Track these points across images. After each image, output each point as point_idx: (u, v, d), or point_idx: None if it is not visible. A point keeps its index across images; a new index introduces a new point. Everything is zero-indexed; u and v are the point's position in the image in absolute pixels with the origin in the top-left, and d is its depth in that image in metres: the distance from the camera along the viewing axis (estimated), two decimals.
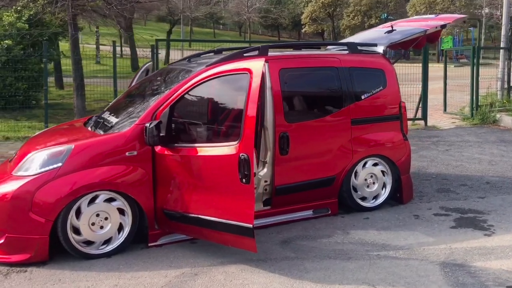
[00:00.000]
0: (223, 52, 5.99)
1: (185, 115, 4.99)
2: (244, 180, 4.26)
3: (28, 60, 12.25)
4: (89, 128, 5.44)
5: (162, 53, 18.64)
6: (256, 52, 5.45)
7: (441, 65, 14.43)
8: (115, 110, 5.71)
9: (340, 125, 5.74)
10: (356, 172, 5.89)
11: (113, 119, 5.34)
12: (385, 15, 40.22)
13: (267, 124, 5.35)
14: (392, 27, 6.71)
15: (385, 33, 6.67)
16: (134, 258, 4.71)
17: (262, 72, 4.39)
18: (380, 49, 6.21)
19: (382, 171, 6.04)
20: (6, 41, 12.04)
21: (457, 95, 13.27)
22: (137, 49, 25.02)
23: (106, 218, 4.71)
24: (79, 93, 11.75)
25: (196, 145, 4.74)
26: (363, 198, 5.98)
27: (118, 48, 18.93)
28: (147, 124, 4.71)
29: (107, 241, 4.77)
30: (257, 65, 4.45)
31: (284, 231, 5.34)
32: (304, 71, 5.67)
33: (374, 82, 5.98)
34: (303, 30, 43.93)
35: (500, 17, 45.54)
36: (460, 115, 12.63)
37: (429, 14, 39.46)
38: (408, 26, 6.68)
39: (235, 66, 4.75)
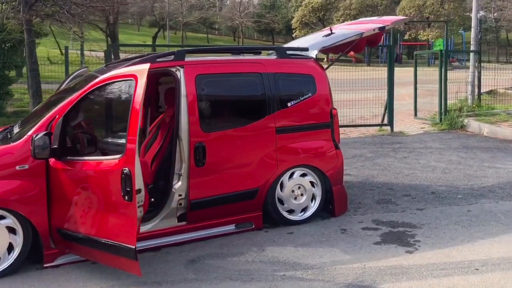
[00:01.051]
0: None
1: (77, 125, 4.67)
2: (126, 197, 3.94)
3: None
4: None
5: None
6: (172, 57, 5.14)
7: (433, 69, 14.12)
8: (26, 120, 5.40)
9: (263, 134, 5.41)
10: (282, 184, 5.56)
11: (16, 130, 5.03)
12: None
13: (181, 134, 5.03)
14: (331, 30, 6.39)
15: (323, 36, 6.36)
16: (23, 280, 4.38)
17: (147, 77, 4.07)
18: (313, 53, 5.89)
19: (311, 182, 5.70)
20: None
21: (435, 100, 12.91)
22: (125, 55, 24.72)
23: None
24: (36, 100, 11.44)
25: (86, 158, 4.42)
26: (291, 211, 5.65)
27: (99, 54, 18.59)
28: (34, 136, 4.39)
29: None
30: (142, 70, 4.13)
31: (198, 248, 5.01)
32: (223, 77, 5.34)
33: (302, 88, 5.65)
34: (293, 35, 43.67)
35: (493, 20, 45.44)
36: (430, 120, 12.29)
37: (418, 17, 39.40)
38: (348, 29, 6.37)
39: (122, 72, 4.43)
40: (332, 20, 41.47)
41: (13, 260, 4.48)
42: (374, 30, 6.09)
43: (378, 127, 11.69)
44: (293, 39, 56.74)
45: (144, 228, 4.95)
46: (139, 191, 4.00)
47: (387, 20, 6.37)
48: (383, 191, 6.80)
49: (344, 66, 16.13)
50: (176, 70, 5.09)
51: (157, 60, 5.13)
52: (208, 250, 4.95)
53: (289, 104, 5.54)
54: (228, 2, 47.61)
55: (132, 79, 4.19)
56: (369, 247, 4.94)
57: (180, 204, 5.10)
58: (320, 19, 44.00)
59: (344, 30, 6.31)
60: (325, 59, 17.97)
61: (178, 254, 4.88)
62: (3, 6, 11.84)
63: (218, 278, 4.33)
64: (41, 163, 4.50)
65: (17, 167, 4.46)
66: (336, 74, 10.51)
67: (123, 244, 4.03)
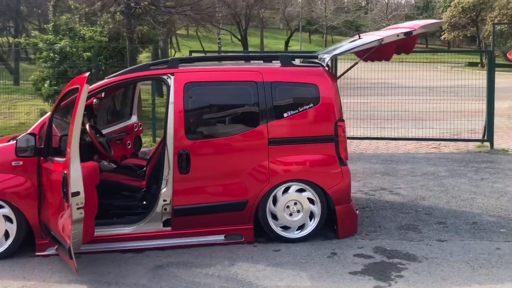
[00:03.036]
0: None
1: (58, 127, 5.02)
2: (65, 198, 4.15)
3: (108, 71, 13.38)
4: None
5: None
6: (165, 65, 5.27)
7: None
8: None
9: (254, 144, 5.23)
10: (275, 198, 5.30)
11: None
12: None
13: (167, 140, 5.12)
14: (359, 36, 5.91)
15: (349, 42, 5.92)
16: (2, 265, 4.85)
17: (86, 87, 4.23)
18: (325, 61, 5.51)
19: (310, 199, 5.34)
20: (86, 53, 13.28)
21: None
22: None
23: None
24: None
25: (56, 158, 4.74)
26: (286, 228, 5.35)
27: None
28: (19, 136, 4.84)
29: None
30: (83, 79, 4.30)
31: (174, 255, 5.04)
32: (214, 85, 5.29)
33: (303, 98, 5.33)
34: (441, 37, 40.60)
35: None
36: None
37: None
38: (377, 35, 5.81)
39: (75, 80, 4.67)
40: (486, 21, 37.63)
41: (7, 246, 5.01)
42: (398, 35, 5.47)
43: (478, 143, 10.39)
44: (440, 41, 52.57)
45: (126, 230, 5.15)
46: (76, 193, 4.18)
47: (416, 25, 5.65)
48: (417, 216, 6.06)
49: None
50: (167, 78, 5.19)
51: (150, 68, 5.29)
52: (182, 258, 4.95)
53: (285, 115, 5.27)
54: (376, 5, 46.15)
55: (78, 87, 4.40)
56: (341, 276, 4.48)
57: (165, 209, 5.18)
58: (472, 20, 40.19)
59: (370, 36, 5.77)
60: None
61: (152, 259, 4.97)
62: (107, 17, 13.09)
63: (162, 287, 4.32)
64: (32, 160, 4.95)
65: (13, 163, 4.97)
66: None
67: (64, 243, 4.26)
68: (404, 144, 10.63)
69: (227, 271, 4.66)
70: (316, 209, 5.35)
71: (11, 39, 14.43)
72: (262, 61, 5.88)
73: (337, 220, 5.37)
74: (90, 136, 5.46)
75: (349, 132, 10.95)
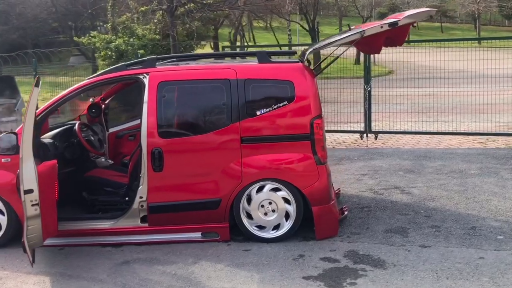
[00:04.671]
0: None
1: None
2: (19, 195, 4.38)
3: None
4: None
5: None
6: (141, 65, 5.37)
7: None
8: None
9: (226, 143, 5.18)
10: (249, 197, 5.22)
11: None
12: None
13: (142, 138, 5.23)
14: (349, 27, 5.62)
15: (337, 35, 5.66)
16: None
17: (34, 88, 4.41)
18: (304, 56, 5.32)
19: (285, 199, 5.20)
20: (140, 51, 13.84)
21: None
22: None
23: None
24: None
25: None
26: (262, 227, 5.26)
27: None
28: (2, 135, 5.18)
29: None
30: (37, 79, 4.48)
31: (146, 251, 5.15)
32: (187, 84, 5.30)
33: (277, 95, 5.18)
34: None
35: None
36: None
37: None
38: (364, 27, 5.50)
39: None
40: None
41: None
42: (381, 27, 5.12)
43: None
44: None
45: (107, 225, 5.35)
46: (29, 191, 4.38)
47: (401, 14, 5.25)
48: (414, 219, 5.68)
49: None
50: (143, 78, 5.28)
51: (128, 68, 5.42)
52: (152, 255, 5.05)
53: (258, 113, 5.15)
54: None
55: None
56: (292, 280, 4.33)
57: (142, 206, 5.29)
58: None
59: (359, 28, 5.46)
60: None
61: (124, 254, 5.11)
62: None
63: (116, 283, 4.45)
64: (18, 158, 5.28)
65: (2, 160, 5.34)
66: None
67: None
68: (449, 139, 9.97)
69: (185, 269, 4.68)
70: (292, 209, 5.20)
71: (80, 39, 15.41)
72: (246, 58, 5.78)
73: (314, 221, 5.18)
74: (78, 135, 5.71)
75: (398, 126, 10.51)
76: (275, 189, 5.21)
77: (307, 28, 24.70)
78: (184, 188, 5.24)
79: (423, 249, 4.84)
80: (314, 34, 25.06)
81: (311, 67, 5.61)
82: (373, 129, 10.18)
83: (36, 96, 4.37)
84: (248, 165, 5.15)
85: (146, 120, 5.19)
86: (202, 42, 15.47)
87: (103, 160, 6.21)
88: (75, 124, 5.93)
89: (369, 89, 9.73)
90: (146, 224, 5.34)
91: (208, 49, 19.68)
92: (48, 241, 5.25)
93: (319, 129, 5.15)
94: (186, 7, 12.15)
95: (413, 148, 9.49)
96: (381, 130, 10.33)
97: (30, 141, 4.35)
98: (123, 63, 5.53)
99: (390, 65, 15.57)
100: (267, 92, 5.21)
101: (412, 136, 10.32)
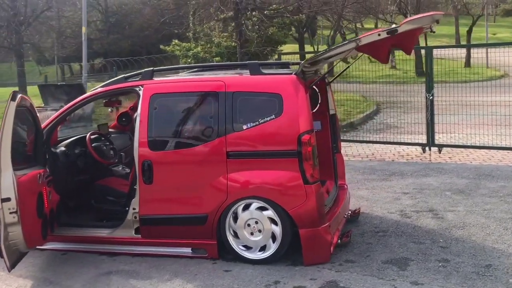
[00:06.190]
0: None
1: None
2: None
3: None
4: None
5: None
6: (139, 77, 5.41)
7: None
8: None
9: (213, 157, 5.00)
10: (236, 214, 5.00)
11: None
12: None
13: (134, 150, 5.26)
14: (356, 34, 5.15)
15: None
16: None
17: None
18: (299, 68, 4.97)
19: (272, 219, 4.89)
20: (216, 58, 14.15)
21: None
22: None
23: None
24: None
25: None
26: (249, 247, 5.00)
27: None
28: None
29: None
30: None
31: (133, 263, 5.14)
32: (178, 96, 5.22)
33: (265, 109, 4.89)
34: None
35: None
36: None
37: None
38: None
39: None
40: None
41: None
42: (379, 35, 4.60)
43: None
44: None
45: (104, 234, 5.46)
46: (7, 199, 4.56)
47: (404, 21, 4.64)
48: (426, 249, 5.03)
49: None
50: (139, 90, 5.31)
51: (127, 80, 5.48)
52: (136, 267, 5.05)
53: (244, 127, 4.91)
54: None
55: None
56: None
57: (135, 217, 5.32)
58: None
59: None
60: None
61: (112, 264, 5.16)
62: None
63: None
64: None
65: None
66: None
67: None
68: None
69: (154, 285, 4.61)
70: (278, 230, 4.87)
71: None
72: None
73: (302, 245, 4.80)
74: (87, 144, 5.90)
75: (476, 139, 9.52)
76: (262, 208, 4.92)
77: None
78: (173, 201, 5.17)
79: (412, 287, 4.24)
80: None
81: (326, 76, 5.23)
82: (437, 142, 9.31)
83: (12, 111, 4.57)
84: (234, 181, 4.94)
85: (138, 131, 5.21)
86: (280, 48, 15.33)
87: (120, 169, 6.36)
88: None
89: (431, 97, 8.89)
90: (139, 236, 5.36)
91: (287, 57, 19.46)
92: (49, 245, 5.53)
93: (308, 145, 4.76)
94: (253, 13, 12.12)
95: (481, 164, 8.49)
96: (447, 143, 9.40)
97: (8, 152, 4.56)
98: (122, 75, 5.61)
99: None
100: (255, 106, 4.95)
101: (486, 151, 9.25)
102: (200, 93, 5.15)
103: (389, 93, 11.65)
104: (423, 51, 11.84)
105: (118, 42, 28.91)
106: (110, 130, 6.77)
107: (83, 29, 13.55)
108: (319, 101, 6.03)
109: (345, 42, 4.77)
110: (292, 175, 4.80)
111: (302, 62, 4.99)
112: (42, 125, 5.54)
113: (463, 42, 28.94)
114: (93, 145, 5.95)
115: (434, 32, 5.10)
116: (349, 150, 10.31)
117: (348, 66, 5.43)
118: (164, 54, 15.18)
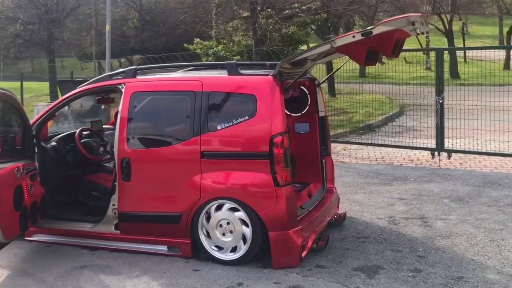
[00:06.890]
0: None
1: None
2: None
3: None
4: None
5: None
6: (122, 75, 5.49)
7: None
8: None
9: (188, 156, 5.02)
10: (208, 214, 5.00)
11: None
12: None
13: (114, 147, 5.34)
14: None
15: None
16: None
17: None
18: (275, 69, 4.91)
19: (243, 220, 4.86)
20: (236, 57, 14.19)
21: None
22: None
23: None
24: None
25: None
26: (221, 248, 4.99)
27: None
28: None
29: None
30: None
31: (112, 258, 5.22)
32: (156, 95, 5.26)
33: (239, 109, 4.86)
34: None
35: None
36: None
37: None
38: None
39: None
40: None
41: None
42: (353, 36, 4.50)
43: None
44: None
45: (87, 228, 5.57)
46: None
47: (379, 23, 4.50)
48: (402, 258, 4.88)
49: None
50: (122, 88, 5.39)
51: (111, 77, 5.56)
52: (111, 262, 5.12)
53: (219, 127, 4.89)
54: None
55: None
56: None
57: (115, 213, 5.40)
58: None
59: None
60: None
61: (90, 258, 5.26)
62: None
63: (51, 286, 4.60)
64: None
65: None
66: None
67: None
68: None
69: (121, 281, 4.66)
70: (248, 232, 4.84)
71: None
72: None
73: (271, 248, 4.76)
74: (76, 141, 6.02)
75: (491, 145, 9.19)
76: (234, 209, 4.90)
77: (443, 30, 22.67)
78: (149, 199, 5.21)
79: None
80: (451, 36, 22.95)
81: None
82: (451, 147, 9.03)
83: None
84: (206, 181, 4.93)
85: (118, 129, 5.28)
86: (301, 47, 15.19)
87: (111, 165, 6.46)
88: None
89: (440, 101, 8.62)
90: (119, 232, 5.43)
91: None
92: (36, 237, 5.69)
93: (280, 147, 4.70)
94: (268, 11, 12.07)
95: (491, 172, 8.18)
96: (458, 149, 9.09)
97: None
98: (107, 73, 5.69)
99: None
100: (230, 106, 4.92)
101: (501, 157, 8.90)
102: (178, 92, 5.17)
103: (416, 95, 11.32)
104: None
105: (152, 40, 29.48)
106: (107, 127, 6.88)
107: (107, 27, 13.83)
108: (308, 103, 5.97)
109: (320, 44, 4.68)
110: (263, 177, 4.76)
111: (279, 63, 4.94)
112: (32, 121, 5.71)
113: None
114: (82, 141, 6.06)
115: (422, 34, 4.96)
116: (359, 153, 10.15)
117: (338, 69, 5.32)
118: (188, 52, 15.27)
